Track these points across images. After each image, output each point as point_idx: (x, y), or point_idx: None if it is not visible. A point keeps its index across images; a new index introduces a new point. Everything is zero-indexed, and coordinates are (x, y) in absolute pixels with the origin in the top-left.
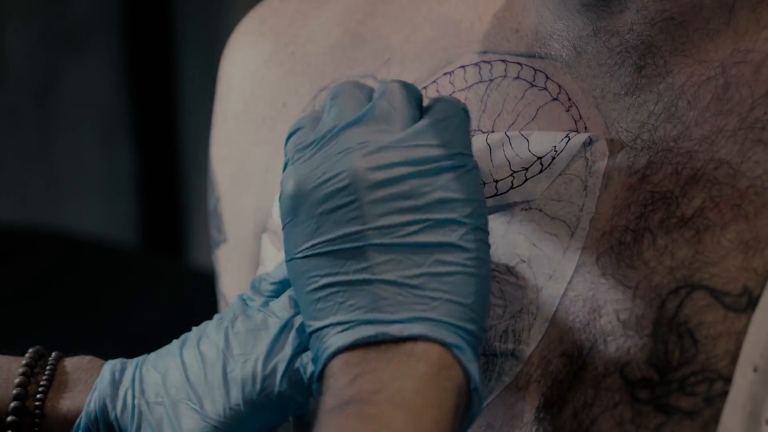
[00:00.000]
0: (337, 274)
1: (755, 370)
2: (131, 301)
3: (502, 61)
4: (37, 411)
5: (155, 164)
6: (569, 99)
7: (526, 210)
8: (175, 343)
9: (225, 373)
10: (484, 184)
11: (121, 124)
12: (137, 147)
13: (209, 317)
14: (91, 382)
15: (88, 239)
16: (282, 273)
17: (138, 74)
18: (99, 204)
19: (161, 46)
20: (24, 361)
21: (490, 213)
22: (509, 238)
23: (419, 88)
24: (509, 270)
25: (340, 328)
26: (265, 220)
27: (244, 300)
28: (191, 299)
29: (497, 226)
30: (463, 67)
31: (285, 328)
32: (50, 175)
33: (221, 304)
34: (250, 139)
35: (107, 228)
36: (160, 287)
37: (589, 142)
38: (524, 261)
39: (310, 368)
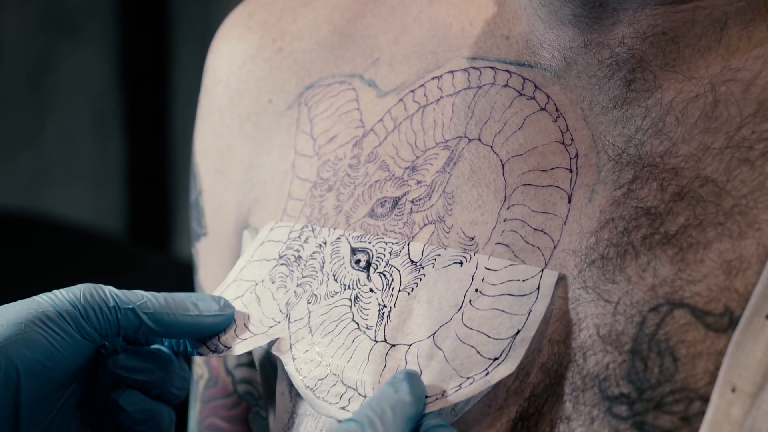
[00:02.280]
0: None
1: (733, 390)
2: None
3: (492, 68)
4: None
5: (145, 155)
6: (557, 109)
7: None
8: None
9: None
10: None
11: (113, 113)
12: (128, 136)
13: None
14: None
15: (74, 227)
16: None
17: (131, 63)
18: (87, 192)
19: (155, 35)
20: None
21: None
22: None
23: (406, 90)
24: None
25: None
26: (247, 216)
27: None
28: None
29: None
30: (451, 72)
31: None
32: (39, 161)
33: None
34: (234, 133)
35: (94, 216)
36: (144, 277)
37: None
38: None
39: None
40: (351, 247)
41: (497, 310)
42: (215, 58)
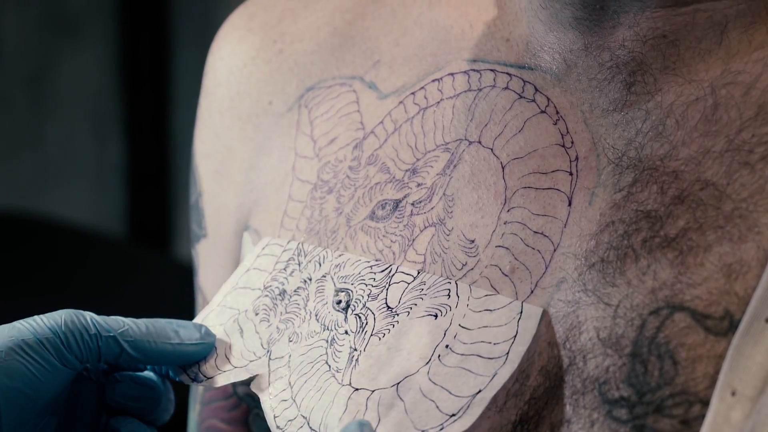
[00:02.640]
0: None
1: (733, 394)
2: (115, 292)
3: (492, 70)
4: None
5: (145, 155)
6: (557, 112)
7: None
8: None
9: None
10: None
11: (113, 114)
12: (128, 137)
13: (192, 310)
14: None
15: (74, 227)
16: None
17: (131, 64)
18: (87, 192)
19: (156, 36)
20: None
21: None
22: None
23: (407, 92)
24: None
25: None
26: (247, 218)
27: None
28: (175, 291)
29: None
30: (452, 74)
31: None
32: (40, 162)
33: (198, 299)
34: (235, 135)
35: (94, 217)
36: (144, 279)
37: None
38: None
39: None
40: (335, 287)
41: (464, 369)
42: (215, 60)
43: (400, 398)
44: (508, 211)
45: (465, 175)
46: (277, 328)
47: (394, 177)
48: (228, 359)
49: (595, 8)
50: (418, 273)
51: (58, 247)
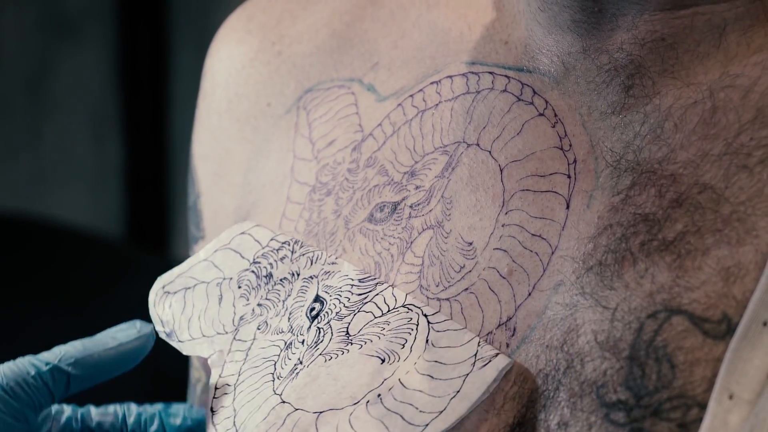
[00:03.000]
0: None
1: (731, 397)
2: (113, 294)
3: (490, 73)
4: None
5: (144, 157)
6: (555, 115)
7: (506, 226)
8: None
9: None
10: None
11: (112, 116)
12: (126, 139)
13: None
14: None
15: (73, 229)
16: None
17: (130, 66)
18: (85, 194)
19: (154, 38)
20: None
21: None
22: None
23: (405, 95)
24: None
25: None
26: (245, 219)
27: None
28: None
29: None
30: (450, 77)
31: None
32: (38, 164)
33: None
34: (233, 137)
35: (93, 219)
36: (143, 281)
37: None
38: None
39: None
40: (316, 293)
41: (383, 424)
42: (214, 62)
43: (316, 429)
44: (506, 213)
45: (463, 177)
46: (253, 310)
47: (392, 179)
48: (200, 325)
49: (593, 11)
50: (390, 310)
51: (56, 248)
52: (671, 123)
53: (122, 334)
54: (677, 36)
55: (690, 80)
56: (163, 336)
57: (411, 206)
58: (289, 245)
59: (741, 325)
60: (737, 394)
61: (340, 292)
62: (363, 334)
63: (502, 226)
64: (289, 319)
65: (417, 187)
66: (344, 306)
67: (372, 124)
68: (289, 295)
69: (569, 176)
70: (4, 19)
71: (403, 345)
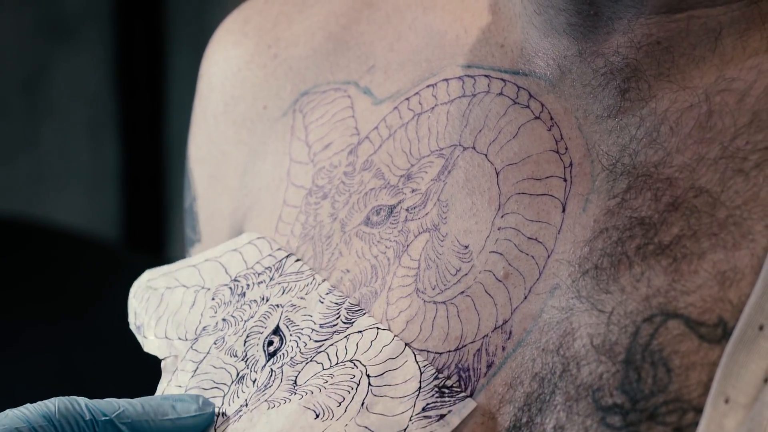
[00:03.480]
0: None
1: (726, 401)
2: (110, 296)
3: (486, 76)
4: None
5: (141, 160)
6: (551, 118)
7: (502, 229)
8: None
9: None
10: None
11: (109, 119)
12: (123, 141)
13: None
14: None
15: (69, 232)
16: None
17: (127, 68)
18: (82, 197)
19: (151, 40)
20: None
21: None
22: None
23: (401, 98)
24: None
25: None
26: (242, 222)
27: None
28: None
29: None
30: (446, 80)
31: None
32: (34, 166)
33: None
34: (229, 139)
35: (90, 221)
36: None
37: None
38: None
39: None
40: (277, 323)
41: None
42: (210, 64)
43: None
44: (502, 216)
45: (459, 180)
46: (216, 323)
47: (388, 183)
48: (166, 326)
49: (589, 14)
50: (338, 363)
51: (53, 250)
52: (667, 126)
53: (182, 406)
54: (673, 39)
55: (686, 84)
56: (132, 327)
57: (407, 209)
58: (270, 271)
59: (737, 329)
60: (733, 398)
61: (300, 334)
62: (307, 385)
63: (498, 229)
64: (245, 342)
65: (413, 191)
66: (300, 352)
67: (368, 127)
68: (251, 317)
69: (565, 179)
70: (0, 21)
71: (340, 403)
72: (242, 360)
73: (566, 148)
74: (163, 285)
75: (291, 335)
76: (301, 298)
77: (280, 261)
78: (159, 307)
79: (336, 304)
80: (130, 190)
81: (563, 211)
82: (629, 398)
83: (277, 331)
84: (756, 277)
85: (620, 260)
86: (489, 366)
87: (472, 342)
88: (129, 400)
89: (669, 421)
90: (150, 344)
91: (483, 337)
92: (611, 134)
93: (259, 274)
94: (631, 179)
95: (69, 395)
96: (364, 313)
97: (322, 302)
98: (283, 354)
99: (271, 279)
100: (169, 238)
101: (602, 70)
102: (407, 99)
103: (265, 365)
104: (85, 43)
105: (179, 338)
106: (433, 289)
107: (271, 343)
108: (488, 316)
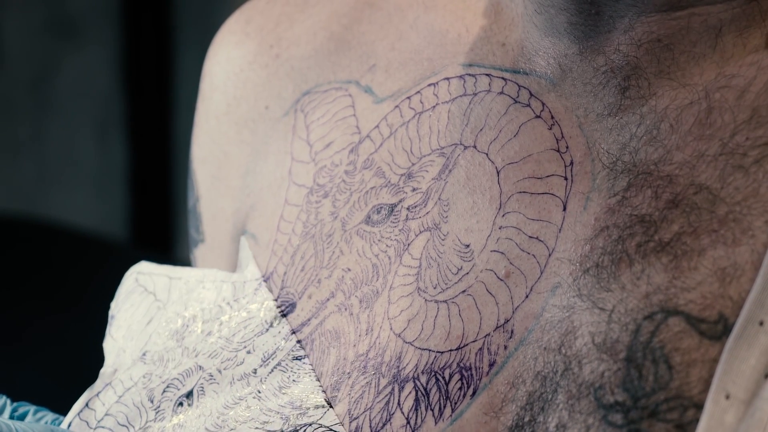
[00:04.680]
0: None
1: (727, 397)
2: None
3: (487, 75)
4: None
5: (147, 159)
6: (552, 117)
7: (503, 228)
8: None
9: None
10: None
11: (116, 118)
12: (130, 141)
13: None
14: None
15: (76, 231)
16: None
17: (134, 67)
18: (89, 196)
19: (158, 39)
20: None
21: None
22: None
23: (403, 97)
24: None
25: None
26: (244, 222)
27: None
28: None
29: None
30: (447, 79)
31: None
32: (42, 165)
33: None
34: (231, 140)
35: (96, 221)
36: None
37: None
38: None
39: None
40: (193, 387)
41: None
42: (212, 65)
43: None
44: (503, 215)
45: (460, 179)
46: (156, 353)
47: (389, 181)
48: (124, 331)
49: (590, 14)
50: None
51: (59, 250)
52: (667, 124)
53: None
54: (673, 37)
55: (686, 81)
56: (109, 315)
57: (408, 208)
58: (218, 324)
59: (737, 325)
60: (733, 394)
61: (204, 408)
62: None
63: (499, 228)
64: (162, 392)
65: (414, 189)
66: (202, 424)
67: (369, 126)
68: (177, 366)
69: (566, 178)
70: (8, 20)
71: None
72: (154, 409)
73: (567, 147)
74: (144, 283)
75: (197, 406)
76: (217, 372)
77: (251, 317)
78: (131, 307)
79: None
80: (137, 189)
81: (564, 209)
82: (631, 396)
83: (189, 394)
84: (756, 273)
85: (621, 258)
86: (491, 365)
87: (473, 341)
88: (23, 424)
89: (670, 418)
90: (107, 342)
91: (485, 336)
92: (612, 132)
93: (207, 321)
94: (631, 177)
95: (73, 393)
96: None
97: (232, 384)
98: (185, 421)
99: (209, 334)
100: (176, 237)
101: (603, 68)
102: (408, 98)
103: (168, 425)
104: (92, 42)
105: (117, 355)
106: (435, 288)
107: (181, 404)
108: (490, 315)
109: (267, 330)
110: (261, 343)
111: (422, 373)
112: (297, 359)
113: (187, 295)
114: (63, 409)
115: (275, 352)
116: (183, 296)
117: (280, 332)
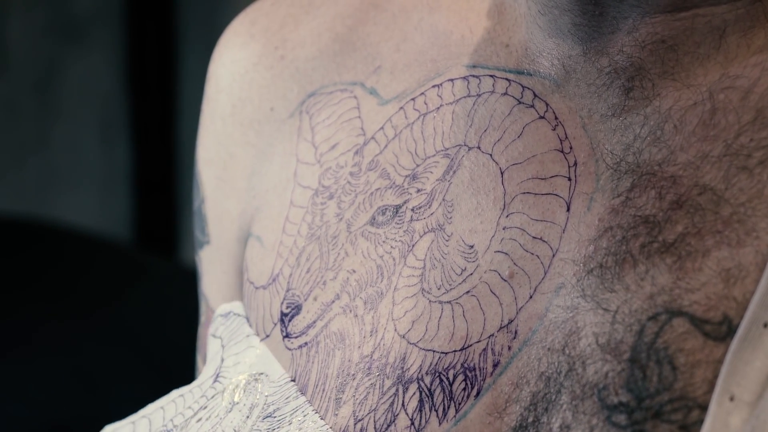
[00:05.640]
0: None
1: (732, 399)
2: (121, 298)
3: (491, 76)
4: None
5: (152, 161)
6: (556, 118)
7: (507, 228)
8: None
9: None
10: None
11: (120, 119)
12: (135, 143)
13: (197, 316)
14: None
15: (81, 233)
16: None
17: (138, 69)
18: (94, 198)
19: (162, 41)
20: None
21: None
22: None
23: (407, 98)
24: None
25: None
26: (250, 224)
27: None
28: (182, 297)
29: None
30: (451, 80)
31: None
32: (46, 168)
33: (202, 305)
34: (237, 141)
35: (101, 222)
36: (151, 284)
37: None
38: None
39: None
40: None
41: None
42: (217, 66)
43: None
44: (507, 216)
45: (464, 180)
46: None
47: (394, 183)
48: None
49: (594, 15)
50: None
51: (64, 252)
52: (671, 125)
53: None
54: (677, 38)
55: (690, 82)
56: None
57: (412, 209)
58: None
59: (741, 326)
60: (738, 395)
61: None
62: None
63: (503, 228)
64: None
65: (418, 191)
66: None
67: (374, 128)
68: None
69: (570, 179)
70: (12, 23)
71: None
72: None
73: (571, 148)
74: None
75: None
76: None
77: (215, 407)
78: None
79: None
80: (142, 190)
81: (568, 210)
82: (634, 396)
83: None
84: (761, 274)
85: (625, 259)
86: (495, 365)
87: (477, 341)
88: None
89: (674, 419)
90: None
91: (489, 337)
92: (615, 133)
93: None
94: (635, 178)
95: (79, 395)
96: None
97: None
98: None
99: (194, 415)
100: (181, 238)
101: (606, 69)
102: (413, 99)
103: None
104: (96, 44)
105: None
106: (439, 288)
107: None
108: (494, 315)
109: (231, 409)
110: (228, 422)
111: (426, 373)
112: (268, 417)
113: (154, 425)
114: (64, 410)
115: (245, 421)
116: (150, 429)
117: (244, 404)
